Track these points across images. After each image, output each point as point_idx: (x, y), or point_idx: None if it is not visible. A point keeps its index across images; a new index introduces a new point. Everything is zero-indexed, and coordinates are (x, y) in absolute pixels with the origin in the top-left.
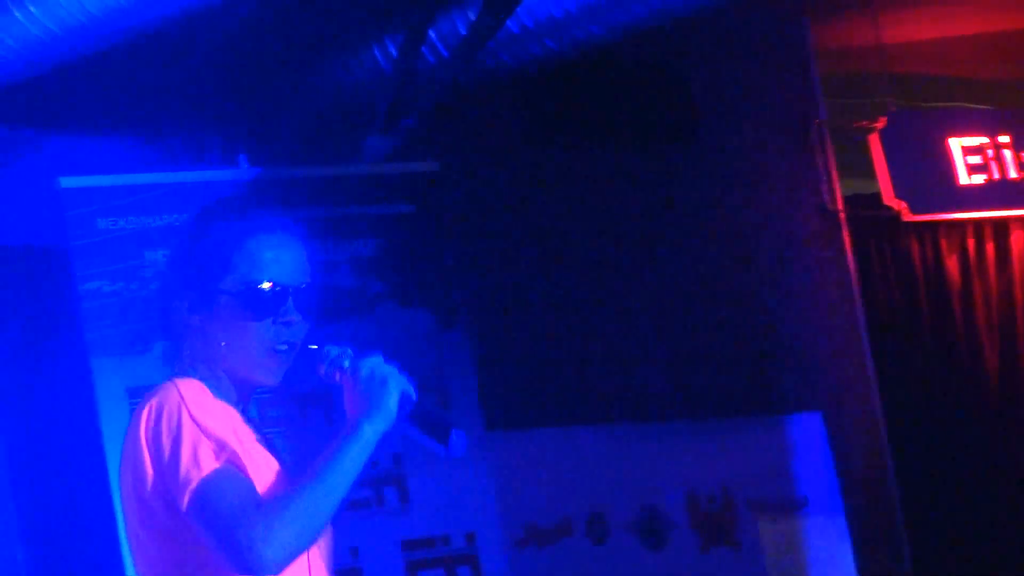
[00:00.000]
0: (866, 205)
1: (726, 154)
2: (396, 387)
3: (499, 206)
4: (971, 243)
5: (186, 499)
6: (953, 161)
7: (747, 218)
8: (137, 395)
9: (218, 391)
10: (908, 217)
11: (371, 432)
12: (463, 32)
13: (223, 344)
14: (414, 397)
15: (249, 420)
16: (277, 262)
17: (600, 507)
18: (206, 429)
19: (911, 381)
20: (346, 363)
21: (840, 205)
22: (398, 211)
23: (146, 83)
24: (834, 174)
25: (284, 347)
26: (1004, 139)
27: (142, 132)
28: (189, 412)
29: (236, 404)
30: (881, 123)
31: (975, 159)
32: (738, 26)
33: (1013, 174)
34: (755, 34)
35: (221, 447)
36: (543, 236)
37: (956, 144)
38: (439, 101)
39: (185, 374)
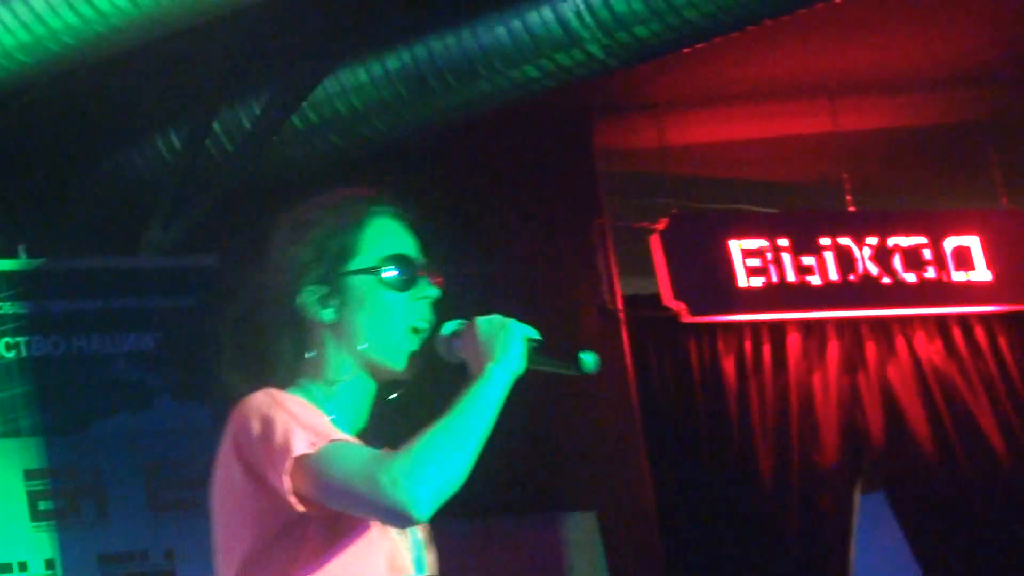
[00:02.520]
0: (646, 305)
1: (508, 252)
2: (518, 330)
3: None
4: (748, 345)
5: (309, 466)
6: (732, 263)
7: (527, 316)
8: None
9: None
10: (687, 318)
11: (499, 373)
12: (248, 126)
13: (360, 332)
14: (538, 336)
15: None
16: (403, 240)
17: None
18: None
19: (686, 482)
20: (461, 326)
21: (620, 305)
22: (177, 304)
23: None
24: (615, 274)
25: (423, 325)
26: (783, 242)
27: None
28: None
29: (352, 418)
30: (662, 224)
31: (754, 262)
32: (522, 123)
33: (791, 277)
34: (539, 132)
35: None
36: None
37: (736, 246)
38: (223, 195)
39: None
